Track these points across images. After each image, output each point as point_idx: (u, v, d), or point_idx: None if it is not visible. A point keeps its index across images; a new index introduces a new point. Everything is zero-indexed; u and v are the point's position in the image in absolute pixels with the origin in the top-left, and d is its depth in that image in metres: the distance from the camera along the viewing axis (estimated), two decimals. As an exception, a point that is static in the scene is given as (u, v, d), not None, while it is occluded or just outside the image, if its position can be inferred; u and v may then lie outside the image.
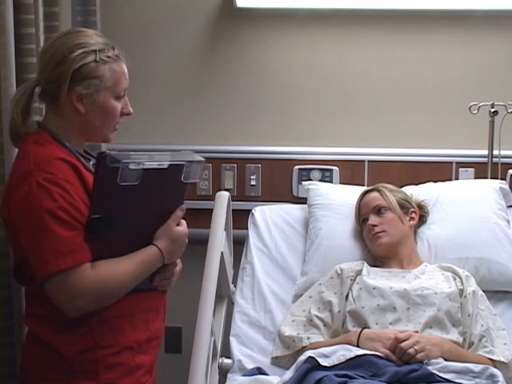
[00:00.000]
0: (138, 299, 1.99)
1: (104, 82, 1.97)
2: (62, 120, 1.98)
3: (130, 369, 1.98)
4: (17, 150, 2.15)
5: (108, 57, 1.98)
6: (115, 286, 1.91)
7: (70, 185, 1.88)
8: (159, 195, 1.96)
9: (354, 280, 2.55)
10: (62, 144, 1.97)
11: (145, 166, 1.88)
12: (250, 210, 2.99)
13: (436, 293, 2.45)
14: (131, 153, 1.89)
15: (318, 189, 2.95)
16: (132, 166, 1.86)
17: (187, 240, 2.05)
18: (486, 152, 3.03)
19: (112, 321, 1.94)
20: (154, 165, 1.91)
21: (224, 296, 2.77)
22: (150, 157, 1.92)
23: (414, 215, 2.70)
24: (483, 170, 3.04)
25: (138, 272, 1.95)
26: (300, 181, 3.11)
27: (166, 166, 1.94)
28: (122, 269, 1.92)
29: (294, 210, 3.00)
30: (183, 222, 2.04)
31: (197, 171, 2.02)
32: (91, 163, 2.03)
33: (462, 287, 2.52)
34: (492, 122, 3.00)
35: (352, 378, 2.19)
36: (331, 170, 3.11)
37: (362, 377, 2.20)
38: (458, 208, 2.80)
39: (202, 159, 2.04)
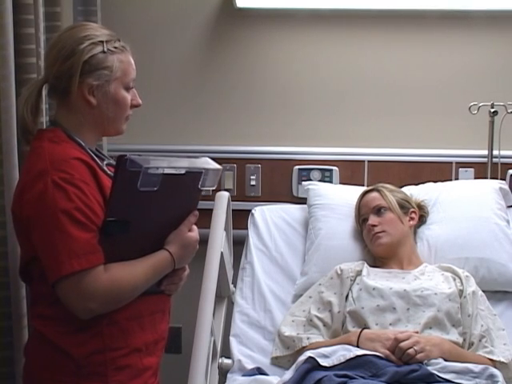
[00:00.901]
0: (146, 301, 1.97)
1: (114, 73, 1.96)
2: (75, 115, 1.97)
3: (138, 371, 1.97)
4: (16, 149, 2.16)
5: (115, 47, 1.98)
6: (127, 290, 1.90)
7: (87, 185, 1.87)
8: (175, 200, 1.95)
9: (354, 280, 2.55)
10: (77, 143, 1.95)
11: (164, 172, 1.87)
12: (249, 210, 2.99)
13: (436, 293, 2.45)
14: (151, 157, 1.87)
15: (317, 189, 2.95)
16: (152, 171, 1.84)
17: (198, 246, 2.04)
18: (485, 152, 3.03)
19: (121, 323, 1.93)
20: (173, 171, 1.89)
21: (224, 296, 2.76)
22: (169, 162, 1.90)
23: (413, 215, 2.70)
24: (483, 170, 3.04)
25: (149, 276, 1.93)
26: (300, 181, 3.11)
27: (184, 172, 1.92)
28: (134, 272, 1.90)
29: (293, 210, 3.00)
30: (195, 227, 2.03)
31: (214, 179, 2.01)
32: (105, 163, 2.01)
33: (461, 287, 2.52)
34: (492, 122, 3.00)
35: (352, 378, 2.19)
36: (331, 170, 3.11)
37: (362, 377, 2.20)
38: (458, 208, 2.80)
39: (220, 167, 2.03)
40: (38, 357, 1.95)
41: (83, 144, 1.96)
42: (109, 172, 1.98)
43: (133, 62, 2.04)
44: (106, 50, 1.96)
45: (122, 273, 1.89)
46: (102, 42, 1.96)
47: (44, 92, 2.05)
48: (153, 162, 1.85)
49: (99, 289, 1.85)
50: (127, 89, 2.01)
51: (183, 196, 1.97)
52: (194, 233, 2.02)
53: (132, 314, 1.95)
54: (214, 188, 2.04)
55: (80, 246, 1.83)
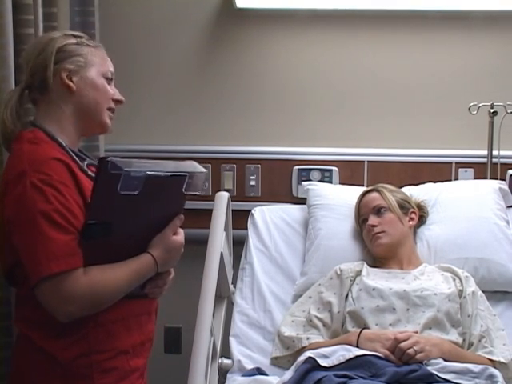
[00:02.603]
0: (132, 303, 1.96)
1: (89, 60, 1.98)
2: (54, 108, 1.96)
3: (125, 373, 1.95)
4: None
5: (89, 43, 2.01)
6: (107, 293, 1.88)
7: (65, 187, 1.85)
8: (158, 204, 1.92)
9: (354, 281, 2.55)
10: (57, 142, 1.94)
11: (146, 175, 1.83)
12: (249, 211, 2.99)
13: (435, 293, 2.45)
14: (134, 160, 1.84)
15: (317, 189, 2.95)
16: (134, 175, 1.81)
17: (183, 250, 2.01)
18: (485, 152, 3.03)
19: (107, 325, 1.92)
20: (155, 174, 1.86)
21: (224, 296, 2.76)
22: (153, 165, 1.87)
23: (413, 216, 2.70)
24: (483, 170, 3.04)
25: (131, 280, 1.91)
26: (299, 181, 3.11)
27: (167, 176, 1.89)
28: (114, 276, 1.88)
29: (293, 211, 3.00)
30: (180, 231, 2.00)
31: (198, 183, 1.98)
32: (85, 163, 2.00)
33: (461, 288, 2.52)
34: (491, 123, 3.00)
35: (351, 378, 2.18)
36: (331, 171, 3.11)
37: (362, 377, 2.20)
38: (458, 208, 2.80)
39: (205, 171, 2.01)
40: (24, 360, 1.94)
41: (63, 144, 1.95)
42: (89, 172, 1.96)
43: (108, 58, 2.05)
44: (78, 41, 1.99)
45: (102, 276, 1.86)
46: (75, 36, 2.00)
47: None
48: (135, 165, 1.82)
49: (78, 292, 1.82)
50: (106, 79, 2.02)
51: (167, 200, 1.94)
52: (179, 236, 1.99)
53: (118, 316, 1.93)
54: (199, 192, 2.01)
55: (58, 248, 1.80)
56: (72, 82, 1.96)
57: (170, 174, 1.90)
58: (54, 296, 1.82)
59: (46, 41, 1.98)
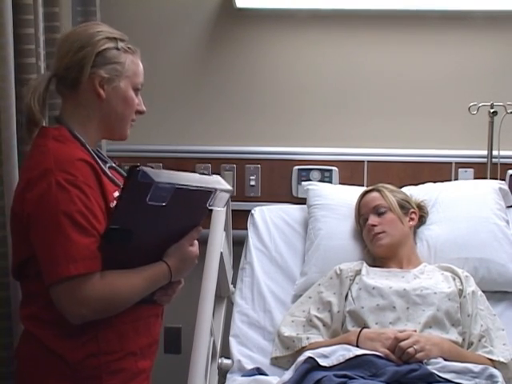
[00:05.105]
0: (142, 306, 1.96)
1: (125, 70, 1.96)
2: (82, 109, 1.95)
3: (132, 374, 1.96)
4: (16, 149, 2.15)
5: (128, 48, 1.99)
6: (121, 299, 1.88)
7: (90, 189, 1.85)
8: (181, 216, 1.93)
9: (353, 280, 2.55)
10: (81, 143, 1.93)
11: (175, 188, 1.83)
12: (249, 211, 2.99)
13: (435, 292, 2.45)
14: (163, 170, 1.85)
15: (317, 189, 2.95)
16: (163, 186, 1.81)
17: (197, 261, 2.02)
18: (485, 152, 3.03)
19: (117, 327, 1.92)
20: (184, 188, 1.85)
21: (223, 296, 2.77)
22: (181, 178, 1.87)
23: (413, 216, 2.70)
24: (483, 170, 3.04)
25: (145, 287, 1.92)
26: (299, 181, 3.11)
27: (195, 190, 1.89)
28: (130, 282, 1.88)
29: (293, 211, 3.00)
30: (196, 242, 2.01)
31: (223, 199, 1.99)
32: (107, 165, 2.00)
33: (461, 287, 2.52)
34: (491, 123, 3.00)
35: (351, 378, 2.18)
36: (331, 171, 3.11)
37: (362, 377, 2.20)
38: (458, 208, 2.80)
39: (230, 188, 2.01)
40: (31, 359, 1.93)
41: (87, 145, 1.94)
42: (110, 175, 1.96)
43: (141, 65, 2.03)
44: (119, 47, 1.97)
45: (118, 281, 1.87)
46: (116, 39, 1.97)
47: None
48: (164, 175, 1.82)
49: (94, 295, 1.83)
50: (135, 91, 2.01)
51: (190, 212, 1.95)
52: (195, 248, 2.00)
53: (128, 318, 1.93)
54: (223, 209, 2.01)
55: (78, 251, 1.80)
56: (103, 89, 1.94)
57: (198, 188, 1.89)
58: (68, 298, 1.82)
59: (87, 37, 1.94)
